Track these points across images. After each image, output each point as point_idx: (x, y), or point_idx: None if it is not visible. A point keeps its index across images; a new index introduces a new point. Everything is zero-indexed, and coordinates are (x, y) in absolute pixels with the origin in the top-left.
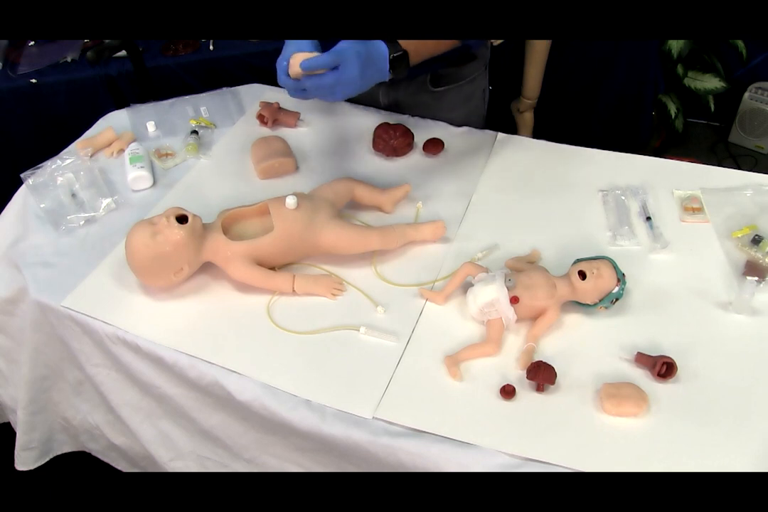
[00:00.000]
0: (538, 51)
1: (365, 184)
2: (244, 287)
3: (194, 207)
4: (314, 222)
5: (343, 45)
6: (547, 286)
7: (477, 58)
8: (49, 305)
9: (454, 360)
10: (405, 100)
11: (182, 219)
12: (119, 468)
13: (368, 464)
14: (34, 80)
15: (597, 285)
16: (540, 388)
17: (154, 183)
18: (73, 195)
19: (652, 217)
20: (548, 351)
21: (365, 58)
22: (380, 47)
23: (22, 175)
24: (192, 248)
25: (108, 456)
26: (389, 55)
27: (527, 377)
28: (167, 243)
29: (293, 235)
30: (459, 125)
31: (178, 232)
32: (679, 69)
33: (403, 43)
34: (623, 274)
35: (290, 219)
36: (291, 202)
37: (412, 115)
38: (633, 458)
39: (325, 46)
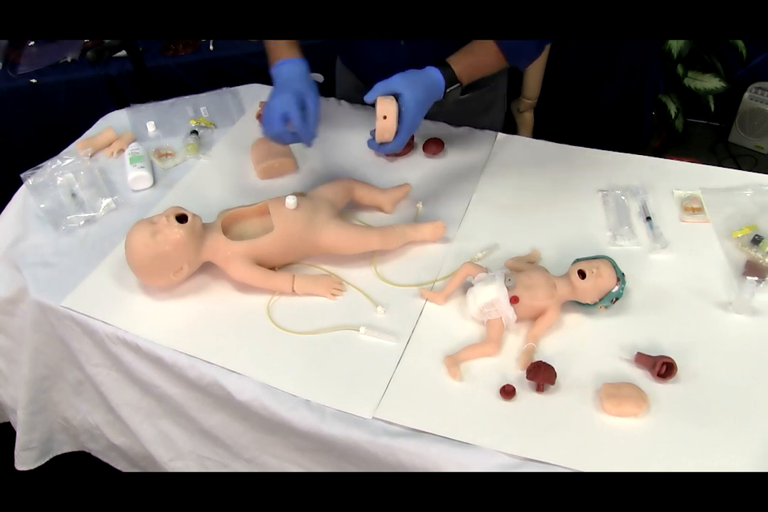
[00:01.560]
0: None
1: (365, 184)
2: (244, 287)
3: (194, 207)
4: (314, 222)
5: (407, 103)
6: (547, 286)
7: None
8: (49, 305)
9: (454, 360)
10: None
11: (182, 218)
12: (119, 468)
13: (368, 464)
14: (34, 80)
15: (597, 284)
16: (540, 388)
17: (154, 183)
18: (73, 195)
19: (652, 217)
20: (548, 351)
21: (425, 102)
22: (438, 83)
23: (22, 175)
24: (192, 248)
25: (108, 456)
26: (445, 89)
27: (527, 377)
28: (167, 242)
29: (293, 235)
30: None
31: (177, 231)
32: (679, 69)
33: (459, 71)
34: (623, 274)
35: (290, 219)
36: (291, 202)
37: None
38: (633, 458)
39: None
